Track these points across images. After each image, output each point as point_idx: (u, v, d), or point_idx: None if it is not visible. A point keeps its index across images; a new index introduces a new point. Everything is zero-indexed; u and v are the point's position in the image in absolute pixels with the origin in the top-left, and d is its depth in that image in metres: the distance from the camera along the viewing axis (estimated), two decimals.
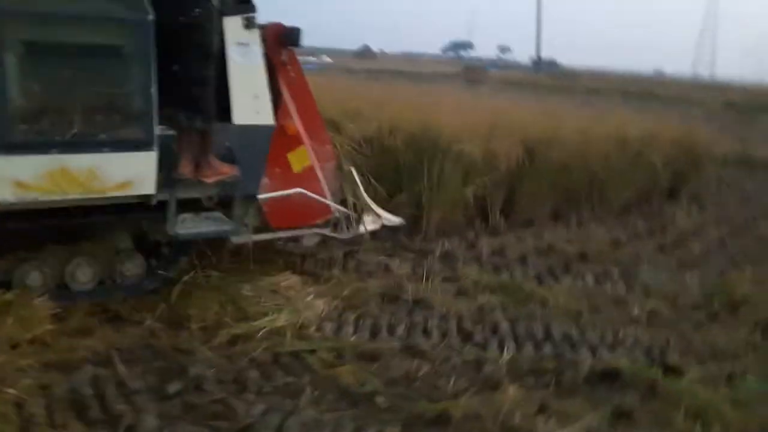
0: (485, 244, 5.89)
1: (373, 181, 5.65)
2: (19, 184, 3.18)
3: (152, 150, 3.48)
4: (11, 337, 3.25)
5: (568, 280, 5.28)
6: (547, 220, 7.01)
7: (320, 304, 4.14)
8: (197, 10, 3.61)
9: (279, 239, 4.65)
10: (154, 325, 3.67)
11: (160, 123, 3.54)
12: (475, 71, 41.69)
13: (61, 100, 3.24)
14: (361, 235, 4.96)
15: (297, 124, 4.44)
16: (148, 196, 3.60)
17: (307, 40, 4.49)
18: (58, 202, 3.35)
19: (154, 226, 3.97)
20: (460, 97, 11.44)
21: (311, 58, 23.02)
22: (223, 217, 4.02)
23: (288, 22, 4.38)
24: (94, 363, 3.26)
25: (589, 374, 3.69)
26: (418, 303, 4.49)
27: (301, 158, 4.48)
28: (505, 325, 4.25)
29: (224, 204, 4.05)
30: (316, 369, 3.44)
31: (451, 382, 3.44)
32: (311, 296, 4.21)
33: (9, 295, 3.50)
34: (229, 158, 3.99)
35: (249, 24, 3.88)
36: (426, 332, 4.06)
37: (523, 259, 5.71)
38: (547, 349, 4.00)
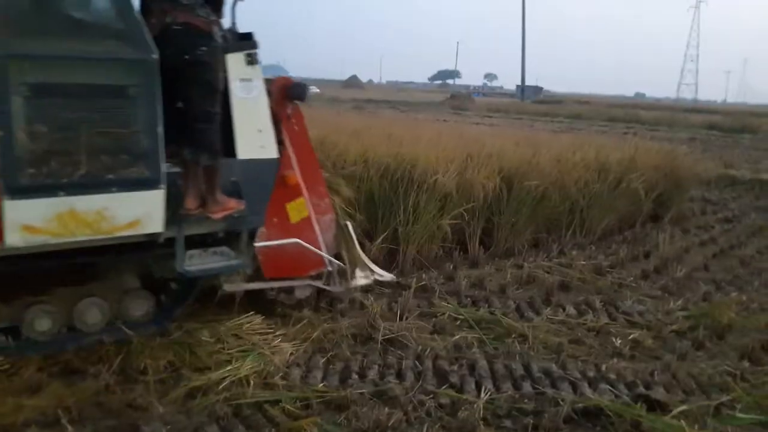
0: (463, 277, 5.73)
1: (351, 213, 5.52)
2: (28, 228, 3.14)
3: (160, 188, 3.45)
4: None
5: (548, 311, 5.12)
6: (528, 250, 6.88)
7: (287, 348, 3.96)
8: (203, 48, 3.64)
9: (271, 289, 4.56)
10: (108, 378, 3.46)
11: (166, 160, 3.51)
12: (461, 99, 42.11)
13: (67, 141, 3.20)
14: (353, 289, 4.90)
15: (297, 175, 4.47)
16: (155, 234, 3.56)
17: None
18: (67, 244, 3.31)
19: (160, 263, 3.97)
20: (441, 127, 11.45)
21: None
22: (231, 251, 4.01)
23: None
24: (40, 425, 3.05)
25: (570, 414, 3.52)
26: (392, 342, 4.32)
27: (299, 209, 4.50)
28: (482, 363, 4.09)
29: (230, 239, 4.03)
30: (280, 422, 3.24)
31: (424, 430, 3.26)
32: (278, 339, 4.03)
33: None
34: (235, 192, 4.00)
35: (251, 60, 3.91)
36: (399, 375, 3.88)
37: (502, 291, 5.56)
38: (527, 387, 3.82)
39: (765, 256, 7.56)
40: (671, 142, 14.86)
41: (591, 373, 4.05)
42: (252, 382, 3.53)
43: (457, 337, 4.47)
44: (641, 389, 3.86)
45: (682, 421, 3.44)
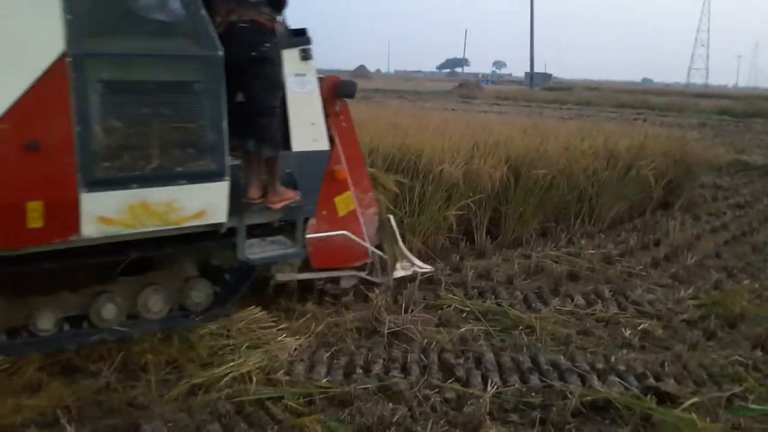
0: (470, 267, 5.66)
1: None
2: (103, 219, 3.29)
3: (224, 180, 3.62)
4: None
5: (556, 302, 5.04)
6: (536, 239, 6.80)
7: (291, 343, 3.91)
8: (267, 44, 3.81)
9: (319, 279, 4.75)
10: (109, 376, 3.42)
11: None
12: (469, 87, 41.84)
13: (139, 135, 3.34)
14: (394, 280, 5.03)
15: (345, 170, 4.65)
16: (218, 225, 3.72)
17: None
18: (138, 234, 3.47)
19: (218, 252, 4.17)
20: (448, 116, 11.35)
21: None
22: (287, 240, 4.19)
23: None
24: (39, 425, 3.01)
25: (579, 407, 3.45)
26: (397, 336, 4.25)
27: (346, 203, 4.69)
28: (489, 356, 4.02)
29: (285, 228, 4.22)
30: (282, 419, 3.19)
31: (429, 426, 3.19)
32: (281, 334, 3.98)
33: None
34: (290, 183, 4.17)
35: (305, 56, 4.10)
36: (405, 369, 3.82)
37: (509, 282, 5.49)
38: (534, 380, 3.76)
39: None
40: (681, 127, 14.67)
41: (600, 365, 3.98)
42: (255, 378, 3.48)
43: (463, 329, 4.40)
44: (651, 381, 3.79)
45: (693, 414, 3.36)
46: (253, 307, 4.19)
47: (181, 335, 3.87)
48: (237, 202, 3.79)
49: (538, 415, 3.38)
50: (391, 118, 8.24)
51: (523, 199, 6.71)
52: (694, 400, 3.55)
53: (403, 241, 5.30)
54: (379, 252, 4.95)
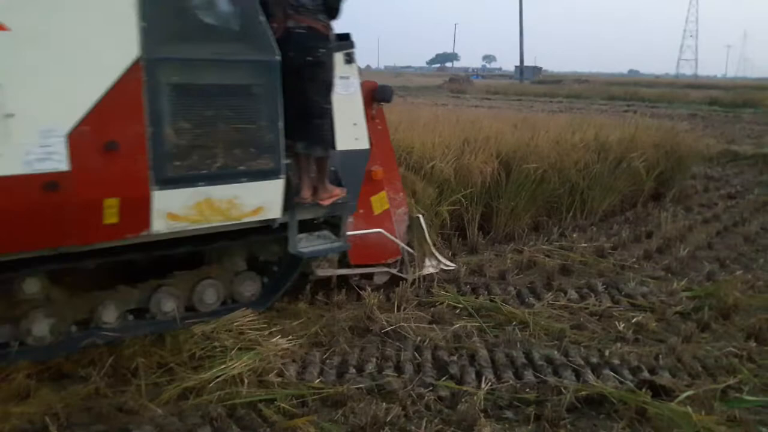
0: (462, 263, 5.63)
1: None
2: (171, 216, 3.51)
3: (280, 178, 3.88)
4: None
5: (549, 296, 5.02)
6: (528, 234, 6.78)
7: (283, 343, 3.87)
8: (322, 49, 4.02)
9: (354, 275, 4.92)
10: (99, 381, 3.38)
11: None
12: (460, 82, 41.80)
13: (206, 136, 3.56)
14: (422, 277, 5.17)
15: (381, 171, 4.87)
16: (272, 220, 3.97)
17: None
18: (201, 229, 3.72)
19: (265, 247, 4.39)
20: (439, 111, 11.30)
21: None
22: (331, 235, 4.43)
23: None
24: None
25: (573, 402, 3.44)
26: (390, 334, 4.23)
27: (381, 202, 4.91)
28: (483, 353, 4.00)
29: (328, 223, 4.49)
30: (275, 421, 3.15)
31: (423, 425, 3.17)
32: (273, 335, 3.94)
33: None
34: (335, 181, 4.38)
35: (349, 59, 4.37)
36: (398, 367, 3.80)
37: (502, 277, 5.47)
38: (528, 376, 3.74)
39: None
40: (672, 119, 14.69)
41: (594, 359, 3.97)
42: (246, 381, 3.44)
43: (456, 326, 4.38)
44: (646, 374, 3.77)
45: (689, 407, 3.35)
46: (244, 308, 4.14)
47: (173, 337, 3.83)
48: (289, 198, 4.02)
49: (533, 412, 3.36)
50: None
51: (515, 193, 6.68)
52: (689, 392, 3.54)
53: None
54: (409, 249, 5.12)
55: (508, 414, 3.38)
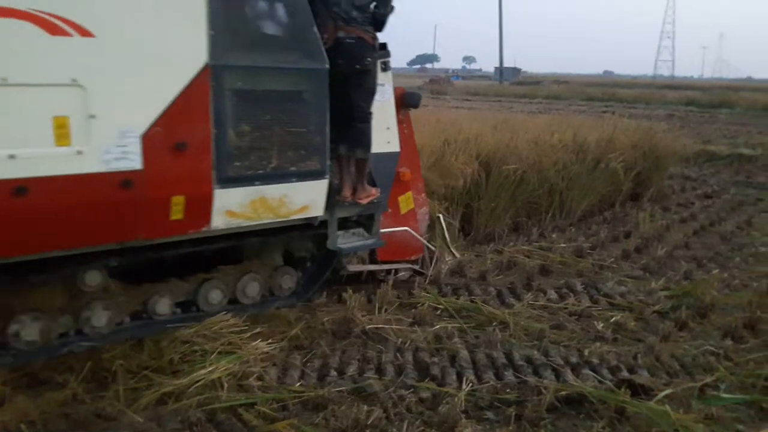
0: (443, 264, 5.63)
1: None
2: (229, 213, 3.76)
3: (325, 178, 4.17)
4: None
5: (529, 296, 5.04)
6: (508, 234, 6.81)
7: (263, 347, 3.85)
8: (369, 58, 4.33)
9: (381, 270, 5.16)
10: (77, 387, 3.33)
11: None
12: (440, 83, 41.85)
13: (262, 138, 3.81)
14: (440, 273, 5.42)
15: (409, 172, 5.14)
16: (314, 218, 4.25)
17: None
18: (254, 226, 3.98)
19: (300, 244, 4.65)
20: (418, 112, 11.29)
21: None
22: (364, 232, 4.71)
23: None
24: None
25: (553, 402, 3.45)
26: (371, 336, 4.23)
27: (407, 202, 5.20)
28: (463, 354, 4.01)
29: (362, 221, 4.75)
30: (255, 425, 3.13)
31: (404, 427, 3.17)
32: (253, 339, 3.91)
33: None
34: (370, 181, 4.63)
35: (385, 67, 4.63)
36: (379, 370, 3.79)
37: (482, 278, 5.49)
38: (509, 376, 3.75)
39: (745, 232, 7.56)
40: (649, 119, 14.82)
41: (574, 359, 3.99)
42: (226, 385, 3.41)
43: (437, 327, 4.39)
44: (625, 373, 3.80)
45: (667, 406, 3.38)
46: (224, 312, 4.12)
47: (152, 341, 3.79)
48: (331, 197, 4.30)
49: (513, 412, 3.37)
50: None
51: (495, 194, 6.71)
52: (668, 391, 3.57)
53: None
54: (431, 246, 5.45)
55: (489, 415, 3.39)
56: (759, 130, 18.69)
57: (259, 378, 3.56)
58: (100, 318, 3.76)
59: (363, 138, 4.41)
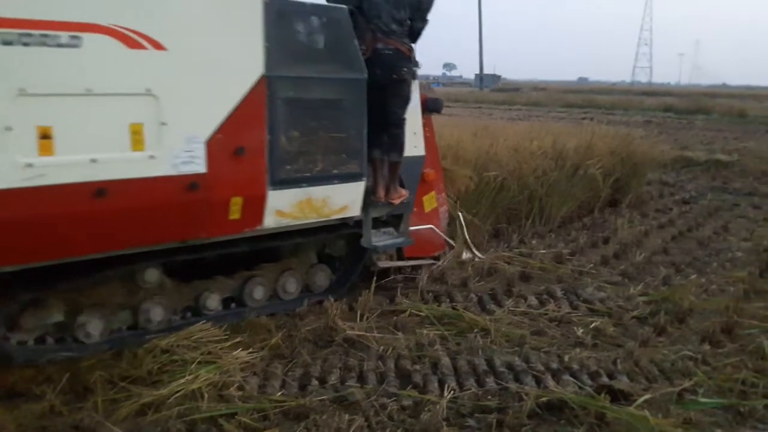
0: (424, 271, 5.64)
1: None
2: (279, 213, 4.11)
3: (363, 180, 4.55)
4: None
5: (510, 303, 5.07)
6: (488, 241, 6.83)
7: (244, 356, 3.83)
8: (405, 68, 4.67)
9: (407, 266, 5.50)
10: (54, 399, 3.29)
11: None
12: (421, 90, 41.91)
13: (309, 143, 4.15)
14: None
15: (433, 173, 5.50)
16: (350, 218, 4.61)
17: None
18: (299, 225, 4.32)
19: (333, 242, 4.98)
20: None
21: None
22: (394, 231, 5.10)
23: None
24: None
25: (534, 409, 3.46)
26: (353, 344, 4.22)
27: (431, 201, 5.56)
28: (445, 361, 4.01)
29: (391, 220, 5.12)
30: None
31: None
32: (234, 348, 3.89)
33: None
34: (400, 183, 4.99)
35: (413, 76, 4.90)
36: (361, 378, 3.78)
37: (464, 285, 5.50)
38: (490, 383, 3.76)
39: (722, 237, 7.65)
40: (627, 125, 15.02)
41: (554, 365, 4.00)
42: (206, 395, 3.38)
43: (419, 334, 4.39)
44: (605, 379, 3.82)
45: (646, 411, 3.40)
46: (204, 321, 4.09)
47: (132, 352, 3.76)
48: (366, 198, 4.65)
49: (495, 419, 3.37)
50: None
51: (475, 200, 6.74)
52: (647, 396, 3.59)
53: None
54: (451, 242, 5.87)
55: (471, 422, 3.39)
56: (735, 136, 18.98)
57: (240, 388, 3.53)
58: (157, 312, 4.04)
59: (398, 142, 4.77)
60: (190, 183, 3.59)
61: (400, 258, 5.41)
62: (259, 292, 4.53)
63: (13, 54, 2.97)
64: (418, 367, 3.94)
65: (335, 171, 4.33)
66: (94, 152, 3.24)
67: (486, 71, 55.46)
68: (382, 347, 4.17)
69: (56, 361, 3.62)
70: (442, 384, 3.72)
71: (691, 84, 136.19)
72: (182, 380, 3.45)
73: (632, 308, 5.08)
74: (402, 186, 4.97)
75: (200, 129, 3.61)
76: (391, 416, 3.37)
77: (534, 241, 6.91)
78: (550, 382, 3.76)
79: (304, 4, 4.17)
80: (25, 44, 3.00)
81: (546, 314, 4.89)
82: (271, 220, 4.08)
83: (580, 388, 3.72)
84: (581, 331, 4.57)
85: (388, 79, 4.57)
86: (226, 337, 4.01)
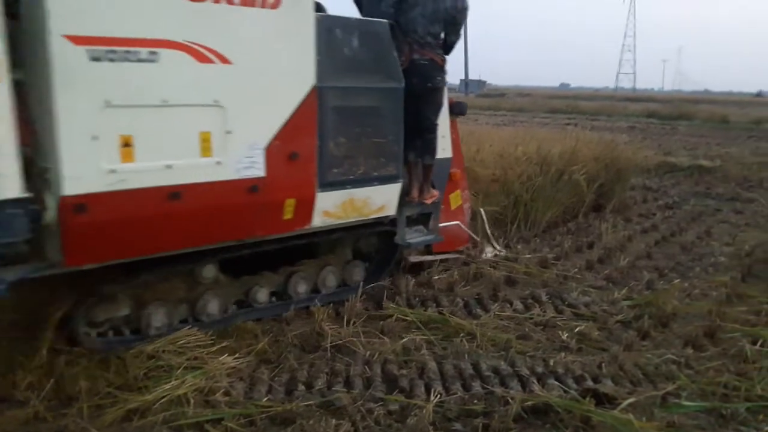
0: (410, 276, 5.66)
1: None
2: (325, 213, 4.42)
3: (399, 182, 4.87)
4: None
5: (496, 307, 5.09)
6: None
7: (230, 362, 3.82)
8: (439, 78, 4.99)
9: (435, 260, 5.87)
10: (38, 405, 3.26)
11: None
12: None
13: (354, 148, 4.46)
14: (484, 261, 6.17)
15: (459, 172, 5.87)
16: (385, 217, 4.92)
17: None
18: (341, 224, 4.63)
19: (367, 239, 5.33)
20: None
21: None
22: (424, 228, 5.44)
23: None
24: None
25: (520, 413, 3.48)
26: (339, 349, 4.22)
27: (456, 199, 5.93)
28: (432, 365, 4.03)
29: (421, 218, 5.43)
30: None
31: None
32: (220, 353, 3.88)
33: None
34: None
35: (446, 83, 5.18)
36: (348, 383, 3.79)
37: (450, 289, 5.52)
38: (476, 387, 3.78)
39: (704, 242, 7.72)
40: (611, 131, 15.13)
41: (539, 369, 4.03)
42: (192, 400, 3.38)
43: (405, 339, 4.40)
44: (589, 383, 3.85)
45: (631, 414, 3.44)
46: (190, 327, 4.08)
47: (117, 358, 3.74)
48: (402, 198, 4.97)
49: (481, 423, 3.39)
50: None
51: None
52: (631, 400, 3.63)
53: None
54: (475, 237, 6.28)
55: (457, 426, 3.41)
56: (717, 142, 19.19)
57: (226, 393, 3.53)
58: (214, 306, 4.37)
59: (431, 146, 5.07)
60: (251, 186, 3.86)
61: (429, 252, 5.79)
62: (302, 287, 4.85)
63: (100, 69, 3.18)
64: (404, 371, 3.95)
65: (375, 174, 4.64)
66: (168, 159, 3.50)
67: (471, 77, 55.69)
68: (368, 352, 4.18)
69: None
70: (428, 388, 3.73)
71: (674, 90, 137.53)
72: (168, 386, 3.45)
73: (616, 312, 5.12)
74: (433, 186, 5.25)
75: (260, 136, 3.87)
76: (377, 421, 3.37)
77: (519, 246, 6.95)
78: (536, 386, 3.79)
79: (350, 19, 4.49)
80: (111, 60, 3.22)
81: (531, 319, 4.92)
82: (318, 220, 4.37)
83: (565, 391, 3.75)
84: (566, 335, 4.61)
85: (423, 88, 4.87)
86: (212, 342, 4.00)
